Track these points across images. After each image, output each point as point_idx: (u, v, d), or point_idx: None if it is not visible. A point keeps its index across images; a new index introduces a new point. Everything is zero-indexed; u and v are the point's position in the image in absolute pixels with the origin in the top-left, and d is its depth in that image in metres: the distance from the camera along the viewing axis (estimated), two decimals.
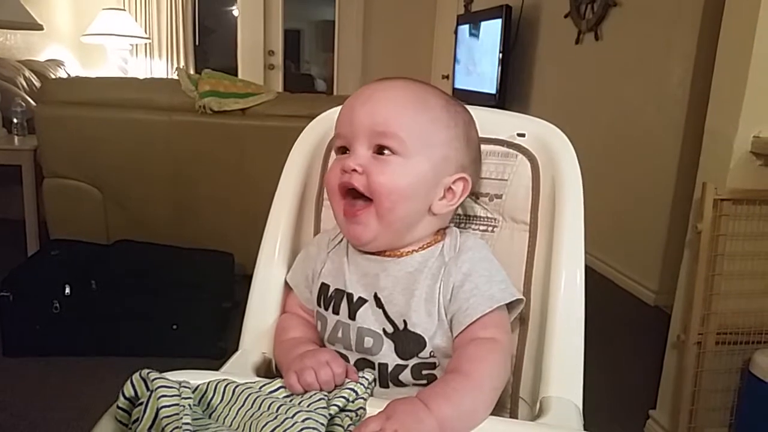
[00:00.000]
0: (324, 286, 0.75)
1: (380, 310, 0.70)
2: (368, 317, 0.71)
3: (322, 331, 0.75)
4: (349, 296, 0.72)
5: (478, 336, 0.67)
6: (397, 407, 0.58)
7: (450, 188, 0.72)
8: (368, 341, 0.70)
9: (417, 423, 0.56)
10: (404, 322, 0.69)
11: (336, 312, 0.73)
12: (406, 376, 0.70)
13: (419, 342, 0.69)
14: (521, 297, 0.73)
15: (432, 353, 0.70)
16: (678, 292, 1.63)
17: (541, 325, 0.74)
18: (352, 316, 0.72)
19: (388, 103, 0.70)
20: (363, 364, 0.71)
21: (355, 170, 0.68)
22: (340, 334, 0.72)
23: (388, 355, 0.70)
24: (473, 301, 0.68)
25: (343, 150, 0.72)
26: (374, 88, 0.73)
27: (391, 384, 0.71)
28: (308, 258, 0.79)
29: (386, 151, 0.68)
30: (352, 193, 0.70)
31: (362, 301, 0.72)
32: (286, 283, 0.81)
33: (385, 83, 0.73)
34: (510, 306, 0.72)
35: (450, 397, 0.60)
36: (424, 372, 0.70)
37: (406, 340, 0.69)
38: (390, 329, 0.70)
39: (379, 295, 0.71)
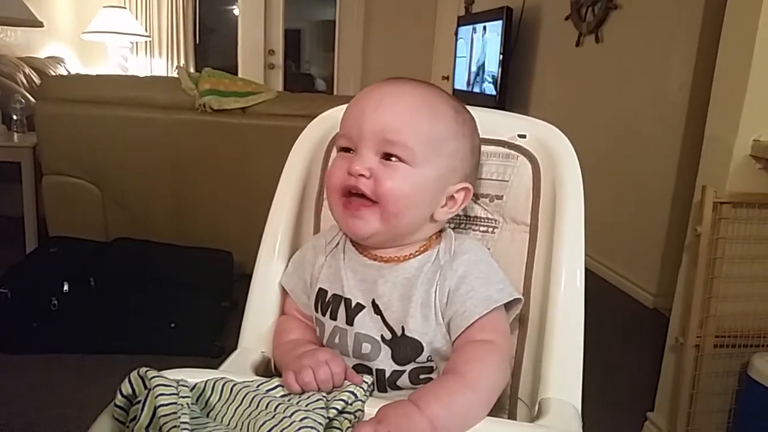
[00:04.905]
0: (321, 291, 0.75)
1: (378, 317, 0.70)
2: (366, 323, 0.70)
3: (321, 337, 0.75)
4: (347, 301, 0.72)
5: (475, 338, 0.67)
6: (387, 410, 0.58)
7: (452, 196, 0.72)
8: (366, 347, 0.70)
9: (408, 423, 0.56)
10: (402, 328, 0.69)
11: (334, 317, 0.73)
12: (403, 381, 0.70)
13: (416, 347, 0.69)
14: (519, 296, 0.72)
15: (429, 357, 0.70)
16: (677, 294, 1.63)
17: (541, 327, 0.74)
18: (349, 321, 0.71)
19: (399, 111, 0.69)
20: (360, 369, 0.70)
21: (362, 175, 0.68)
22: (337, 340, 0.72)
23: (385, 361, 0.70)
24: (470, 304, 0.68)
25: (347, 149, 0.71)
26: (384, 91, 0.71)
27: (388, 389, 0.70)
28: (305, 262, 0.79)
29: (393, 158, 0.68)
30: (354, 193, 0.70)
31: (360, 306, 0.71)
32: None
33: (396, 86, 0.71)
34: (508, 306, 0.72)
35: (441, 396, 0.59)
36: (422, 376, 0.70)
37: (404, 346, 0.69)
38: (388, 336, 0.70)
39: (377, 302, 0.71)
